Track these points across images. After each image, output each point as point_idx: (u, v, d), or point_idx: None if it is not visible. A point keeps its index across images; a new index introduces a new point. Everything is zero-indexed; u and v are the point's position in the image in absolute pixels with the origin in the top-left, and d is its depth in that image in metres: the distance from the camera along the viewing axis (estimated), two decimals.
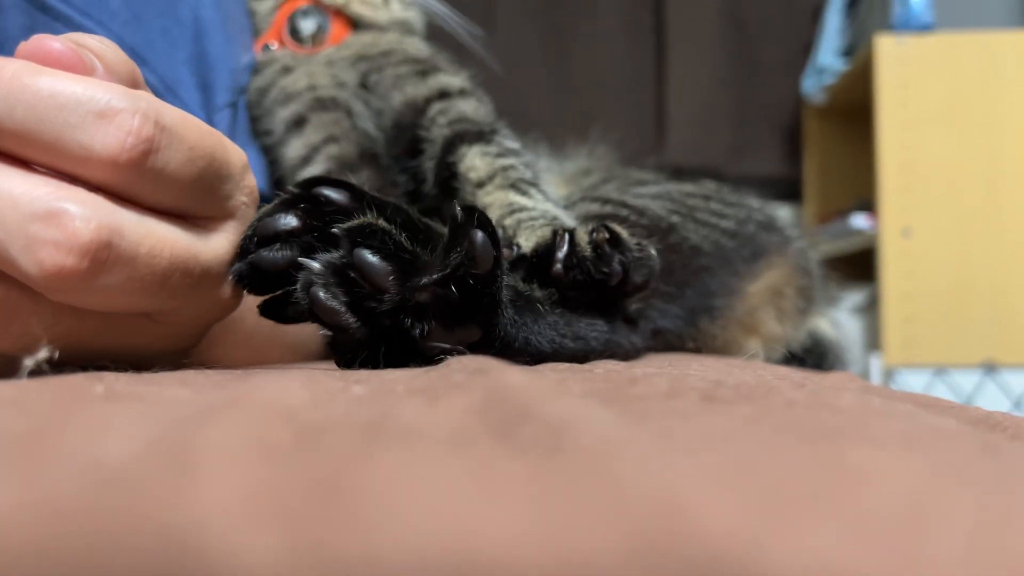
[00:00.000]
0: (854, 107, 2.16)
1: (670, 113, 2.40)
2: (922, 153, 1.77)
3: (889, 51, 1.80)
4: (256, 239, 0.39)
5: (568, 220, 0.55)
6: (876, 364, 1.80)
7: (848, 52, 2.20)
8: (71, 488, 0.12)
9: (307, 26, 0.77)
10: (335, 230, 0.37)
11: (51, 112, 0.31)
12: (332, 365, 0.46)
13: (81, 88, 0.32)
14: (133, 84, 0.35)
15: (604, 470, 0.12)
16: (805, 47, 2.35)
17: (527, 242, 0.48)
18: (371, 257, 0.35)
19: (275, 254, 0.39)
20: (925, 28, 1.84)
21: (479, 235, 0.36)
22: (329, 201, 0.40)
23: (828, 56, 2.20)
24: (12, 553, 0.10)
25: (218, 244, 0.38)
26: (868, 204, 1.90)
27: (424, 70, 0.73)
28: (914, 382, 1.75)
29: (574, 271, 0.45)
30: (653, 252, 0.48)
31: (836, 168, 2.32)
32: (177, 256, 0.35)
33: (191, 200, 0.36)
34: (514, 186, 0.58)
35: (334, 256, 0.36)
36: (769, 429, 0.18)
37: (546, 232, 0.46)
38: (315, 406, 0.20)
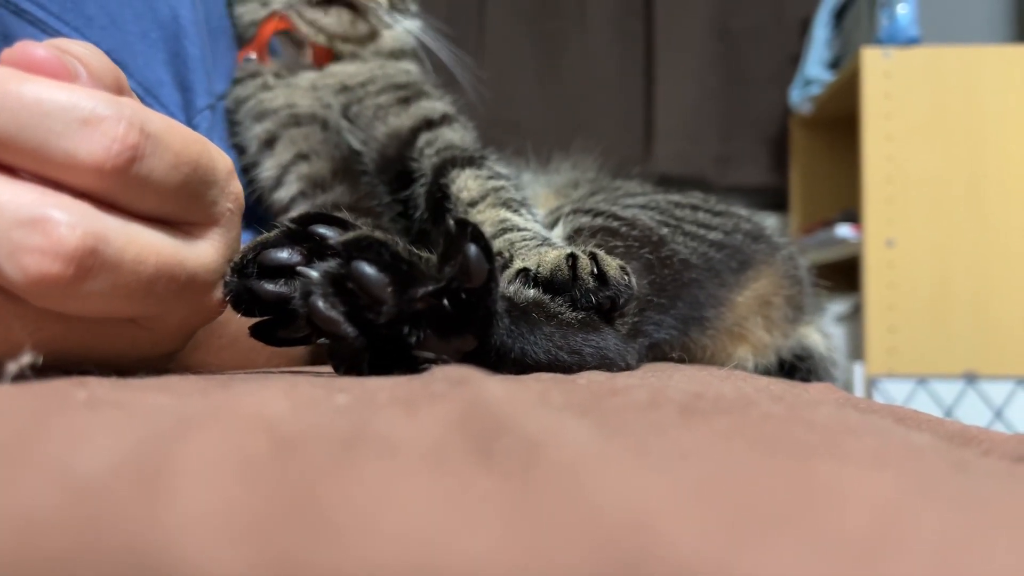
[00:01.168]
0: (840, 118, 2.17)
1: (658, 123, 2.41)
2: (906, 165, 1.79)
3: (875, 63, 1.82)
4: (257, 266, 0.40)
5: (555, 239, 0.56)
6: (859, 373, 1.81)
7: (835, 64, 2.21)
8: (45, 500, 0.12)
9: (288, 52, 0.77)
10: (332, 242, 0.37)
11: (35, 119, 0.31)
12: (316, 370, 0.46)
13: (65, 95, 0.32)
14: (118, 90, 0.35)
15: (575, 487, 0.12)
16: (793, 58, 2.37)
17: (529, 264, 0.49)
18: (368, 269, 0.35)
19: (278, 288, 0.40)
20: (910, 41, 1.85)
21: (473, 249, 0.36)
22: (324, 240, 0.41)
23: (815, 68, 2.21)
24: None
25: (203, 251, 0.38)
26: (853, 214, 1.91)
27: (406, 97, 0.73)
28: (896, 391, 1.76)
29: (581, 300, 0.47)
30: (634, 281, 0.50)
31: (822, 178, 2.33)
32: (163, 262, 0.35)
33: (176, 206, 0.36)
34: (506, 204, 0.59)
35: (332, 265, 0.36)
36: (743, 445, 0.19)
37: (557, 260, 0.48)
38: (295, 416, 0.20)
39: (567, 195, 0.77)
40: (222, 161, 0.38)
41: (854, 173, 1.89)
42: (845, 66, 2.01)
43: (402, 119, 0.71)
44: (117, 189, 0.33)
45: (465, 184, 0.62)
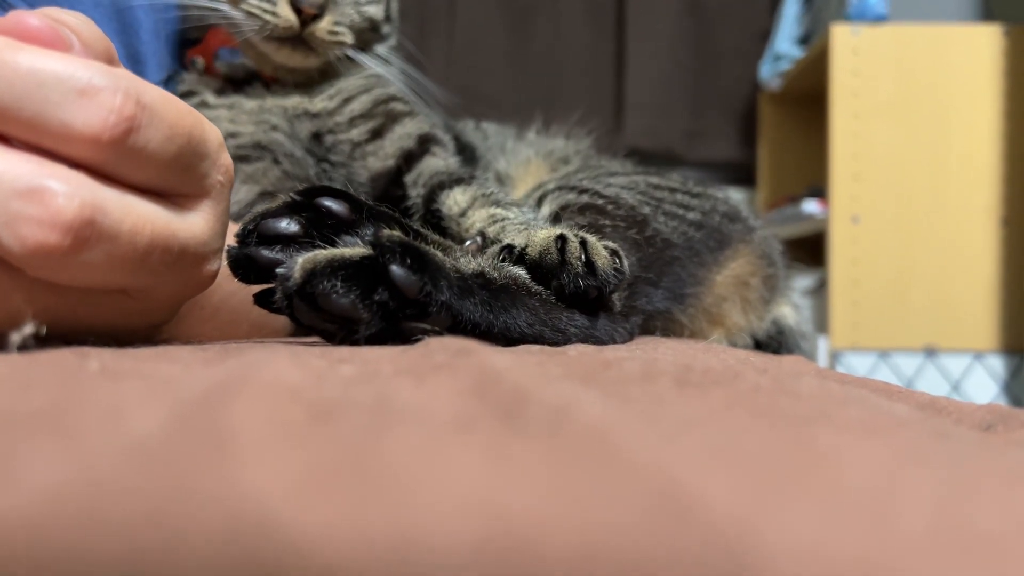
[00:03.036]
0: (809, 95, 2.20)
1: (628, 96, 2.42)
2: (872, 142, 1.82)
3: (844, 40, 1.84)
4: (256, 235, 0.41)
5: (543, 223, 0.57)
6: (823, 347, 1.85)
7: (805, 40, 2.23)
8: (116, 464, 0.12)
9: (236, 70, 0.72)
10: (290, 286, 0.38)
11: (31, 89, 0.31)
12: (304, 341, 0.46)
13: (62, 66, 0.32)
14: (108, 60, 0.35)
15: (607, 450, 0.13)
16: (763, 34, 2.38)
17: (521, 242, 0.48)
18: (335, 297, 0.37)
19: (273, 255, 0.41)
20: (879, 19, 1.87)
21: (395, 270, 0.38)
22: (330, 212, 0.43)
23: (785, 43, 2.23)
24: (71, 527, 0.11)
25: (194, 222, 0.38)
26: (819, 190, 1.94)
27: (378, 127, 0.70)
28: (858, 365, 1.80)
29: (569, 285, 0.46)
30: (626, 265, 0.49)
31: (789, 154, 2.36)
32: (157, 234, 0.35)
33: (170, 178, 0.36)
34: (495, 203, 0.60)
35: (298, 282, 0.38)
36: (742, 414, 0.20)
37: (546, 241, 0.47)
38: (313, 386, 0.21)
39: (556, 168, 0.78)
40: (213, 133, 0.39)
41: (821, 150, 1.91)
42: (814, 43, 2.03)
43: (381, 159, 0.69)
44: (113, 160, 0.33)
45: (455, 200, 0.61)
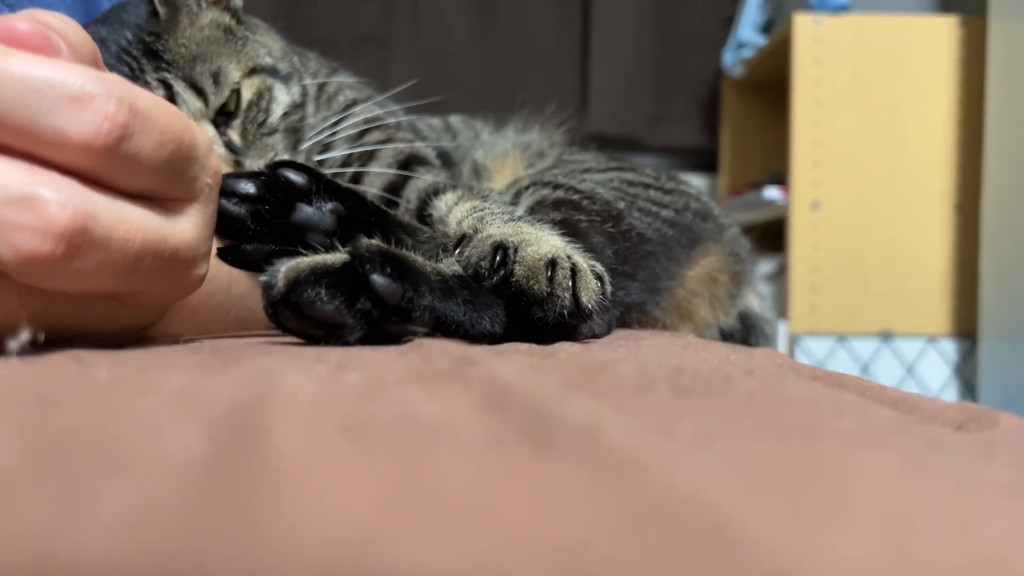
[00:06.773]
0: (771, 82, 2.22)
1: (593, 82, 2.43)
2: (832, 130, 1.85)
3: (806, 29, 1.86)
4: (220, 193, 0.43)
5: (523, 211, 0.57)
6: (782, 331, 1.89)
7: (767, 28, 2.25)
8: (176, 494, 0.13)
9: None
10: (274, 294, 0.40)
11: (23, 96, 0.31)
12: (282, 337, 0.47)
13: (53, 72, 0.31)
14: (94, 63, 0.35)
15: (640, 475, 0.14)
16: (726, 21, 2.40)
17: (511, 238, 0.47)
18: (319, 304, 0.39)
19: (237, 208, 0.45)
20: (841, 9, 1.90)
21: (376, 279, 0.39)
22: (288, 182, 0.46)
23: (748, 31, 2.25)
24: (151, 558, 0.11)
25: (184, 226, 0.38)
26: (780, 177, 1.97)
27: (355, 176, 0.68)
28: (817, 349, 1.84)
29: (551, 319, 0.44)
30: (608, 290, 0.47)
31: (751, 141, 2.39)
32: (148, 239, 0.35)
33: (161, 183, 0.36)
34: (482, 198, 0.60)
35: (282, 290, 0.40)
36: (750, 427, 0.21)
37: (535, 264, 0.45)
38: (331, 399, 0.21)
39: (532, 163, 0.78)
40: (202, 136, 0.38)
41: (783, 136, 1.94)
42: (777, 31, 2.06)
43: (372, 196, 0.66)
44: (105, 167, 0.33)
45: (445, 202, 0.60)
